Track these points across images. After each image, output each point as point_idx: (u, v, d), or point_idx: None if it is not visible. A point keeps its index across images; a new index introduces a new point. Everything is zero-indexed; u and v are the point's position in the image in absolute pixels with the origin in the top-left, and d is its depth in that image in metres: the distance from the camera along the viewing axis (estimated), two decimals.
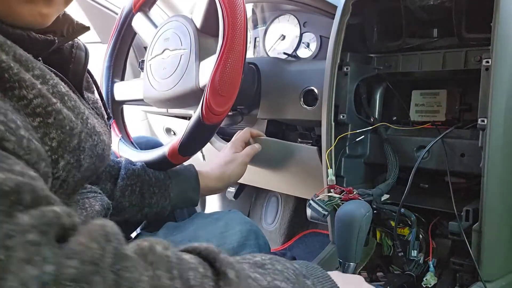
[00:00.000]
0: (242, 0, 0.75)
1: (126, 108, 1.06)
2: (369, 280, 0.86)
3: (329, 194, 0.78)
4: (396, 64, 0.90)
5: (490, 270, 0.72)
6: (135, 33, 1.02)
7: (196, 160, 1.24)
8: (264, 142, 1.03)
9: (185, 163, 0.88)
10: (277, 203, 1.64)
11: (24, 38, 0.48)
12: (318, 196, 0.78)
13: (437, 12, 0.84)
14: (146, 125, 1.76)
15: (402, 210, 0.80)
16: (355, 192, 0.77)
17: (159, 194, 0.82)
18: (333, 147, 0.86)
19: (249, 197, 1.72)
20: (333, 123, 0.87)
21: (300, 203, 1.55)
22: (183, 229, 0.81)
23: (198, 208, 1.16)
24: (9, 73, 0.39)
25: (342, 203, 0.74)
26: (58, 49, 0.56)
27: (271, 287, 0.38)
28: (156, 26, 0.94)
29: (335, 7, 0.91)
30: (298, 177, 1.11)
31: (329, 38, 0.88)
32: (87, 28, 0.60)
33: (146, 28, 0.97)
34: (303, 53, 1.14)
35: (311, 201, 0.78)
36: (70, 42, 0.58)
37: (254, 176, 1.17)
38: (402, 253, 0.82)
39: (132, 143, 0.98)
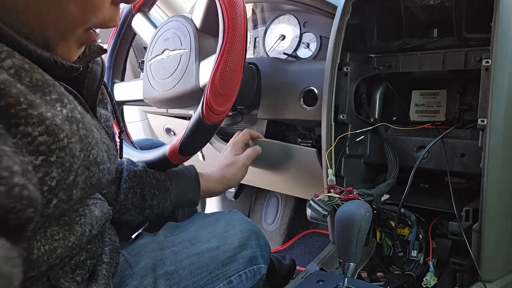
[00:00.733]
0: (242, 0, 0.75)
1: (126, 108, 1.07)
2: (369, 280, 0.86)
3: (329, 194, 0.78)
4: (396, 64, 0.90)
5: (490, 270, 0.72)
6: (135, 34, 1.02)
7: (196, 161, 1.24)
8: (263, 143, 1.04)
9: (185, 164, 0.88)
10: (277, 203, 1.64)
11: (50, 62, 0.47)
12: (318, 196, 0.79)
13: (437, 12, 0.84)
14: (146, 125, 1.76)
15: (402, 210, 0.80)
16: (355, 192, 0.77)
17: (159, 195, 0.82)
18: (333, 147, 0.86)
19: (249, 197, 1.72)
20: (333, 123, 0.87)
21: (300, 203, 1.56)
22: (183, 229, 0.81)
23: (198, 208, 1.16)
24: (15, 109, 0.38)
25: (342, 203, 0.74)
26: None
27: None
28: (156, 26, 0.95)
29: (335, 7, 0.91)
30: (297, 178, 1.11)
31: (329, 38, 0.88)
32: (105, 50, 0.59)
33: (146, 28, 0.97)
34: (303, 53, 1.14)
35: (311, 201, 0.78)
36: None
37: (254, 177, 1.17)
38: (402, 253, 0.82)
39: (132, 143, 0.98)
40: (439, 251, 0.87)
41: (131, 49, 1.08)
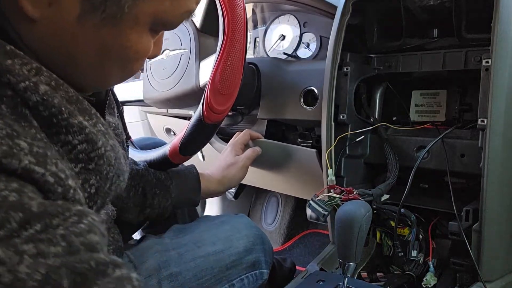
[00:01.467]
0: (242, 0, 0.75)
1: (126, 108, 1.06)
2: (369, 280, 0.86)
3: (329, 194, 0.78)
4: (396, 64, 0.90)
5: (490, 270, 0.72)
6: None
7: (196, 161, 1.24)
8: (263, 144, 1.03)
9: (185, 164, 0.88)
10: (277, 203, 1.64)
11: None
12: (318, 196, 0.78)
13: (437, 12, 0.84)
14: (146, 125, 1.76)
15: (402, 210, 0.80)
16: (355, 192, 0.77)
17: (160, 195, 0.82)
18: (333, 147, 0.86)
19: (249, 197, 1.72)
20: (333, 123, 0.87)
21: (300, 203, 1.55)
22: (189, 232, 0.81)
23: (198, 209, 1.16)
24: (57, 118, 0.39)
25: (342, 203, 0.74)
26: None
27: None
28: None
29: (335, 7, 0.91)
30: (297, 178, 1.11)
31: (329, 38, 0.88)
32: None
33: None
34: (303, 53, 1.14)
35: (311, 201, 0.78)
36: None
37: (254, 177, 1.17)
38: (402, 253, 0.82)
39: (132, 143, 0.98)
40: (439, 251, 0.87)
41: None
